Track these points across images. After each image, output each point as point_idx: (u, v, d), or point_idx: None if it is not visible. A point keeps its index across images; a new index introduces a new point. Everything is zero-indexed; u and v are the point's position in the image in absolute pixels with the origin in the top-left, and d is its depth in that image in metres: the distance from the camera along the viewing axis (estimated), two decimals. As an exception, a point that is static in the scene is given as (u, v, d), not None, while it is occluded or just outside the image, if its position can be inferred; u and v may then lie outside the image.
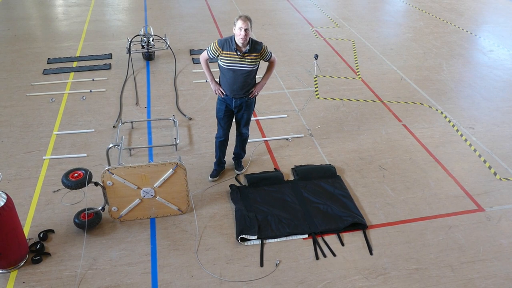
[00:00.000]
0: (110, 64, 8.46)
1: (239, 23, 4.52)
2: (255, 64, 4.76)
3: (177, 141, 5.96)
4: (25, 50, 9.12)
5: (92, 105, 7.03)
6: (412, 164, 5.76)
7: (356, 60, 8.81)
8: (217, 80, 5.03)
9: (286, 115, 6.81)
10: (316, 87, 7.69)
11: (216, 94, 4.99)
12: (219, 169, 5.47)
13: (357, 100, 7.31)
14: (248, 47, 4.63)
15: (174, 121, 6.40)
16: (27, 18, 11.26)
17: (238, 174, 5.51)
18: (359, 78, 8.08)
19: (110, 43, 9.53)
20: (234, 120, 5.24)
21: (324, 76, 8.09)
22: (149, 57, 8.59)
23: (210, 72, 4.96)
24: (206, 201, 5.07)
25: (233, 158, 5.62)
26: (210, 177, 5.41)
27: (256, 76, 4.97)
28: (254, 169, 5.60)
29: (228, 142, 5.40)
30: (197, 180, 5.39)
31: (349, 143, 6.17)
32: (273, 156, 5.88)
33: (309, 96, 7.38)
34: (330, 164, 5.67)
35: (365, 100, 7.31)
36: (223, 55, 4.67)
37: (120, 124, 6.36)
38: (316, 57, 7.97)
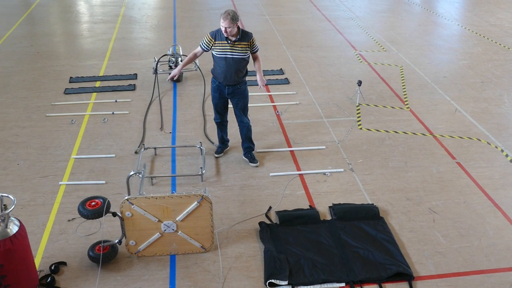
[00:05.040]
0: (134, 85, 8.74)
1: (221, 22, 5.53)
2: (246, 53, 5.77)
3: (203, 171, 6.04)
4: (47, 68, 9.56)
5: (114, 128, 7.25)
6: (467, 208, 5.62)
7: (404, 88, 8.78)
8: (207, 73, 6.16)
9: (324, 147, 6.81)
10: (358, 117, 7.68)
11: (172, 79, 6.27)
12: (223, 147, 6.56)
13: (404, 132, 7.25)
14: (238, 36, 5.67)
15: (201, 149, 6.50)
16: (51, 34, 11.85)
17: (255, 166, 6.30)
18: (408, 108, 8.04)
19: (136, 62, 9.88)
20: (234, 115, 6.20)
21: (368, 105, 8.08)
22: (176, 78, 8.80)
23: (186, 64, 6.04)
24: (232, 239, 5.08)
25: (244, 155, 6.41)
26: (215, 153, 6.51)
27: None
28: (286, 205, 5.59)
29: (229, 126, 6.51)
30: (223, 215, 5.43)
31: (394, 181, 6.09)
32: (309, 192, 5.86)
33: (351, 127, 7.37)
34: (373, 204, 5.60)
35: (414, 133, 7.24)
36: (216, 45, 5.73)
37: (143, 150, 6.52)
38: (360, 83, 8.00)
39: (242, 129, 6.27)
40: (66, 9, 14.14)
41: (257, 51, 5.94)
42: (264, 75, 9.09)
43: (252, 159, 6.33)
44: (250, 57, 5.92)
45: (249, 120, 6.27)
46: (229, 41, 5.66)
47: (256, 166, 6.28)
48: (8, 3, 14.63)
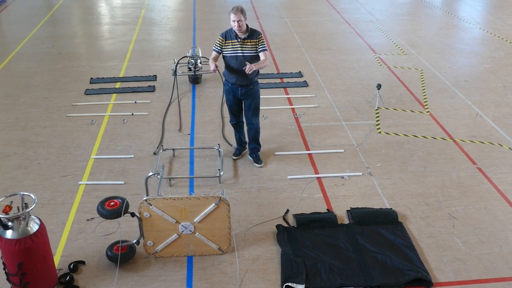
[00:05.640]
0: (154, 86, 8.82)
1: (231, 16, 5.66)
2: (256, 51, 5.85)
3: (221, 173, 6.06)
4: (68, 69, 9.70)
5: (133, 129, 7.32)
6: (488, 214, 5.53)
7: (424, 92, 8.69)
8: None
9: (342, 150, 6.78)
10: (377, 121, 7.62)
11: (213, 70, 5.83)
12: (241, 149, 6.61)
13: (424, 137, 7.17)
14: (247, 34, 5.79)
15: (219, 151, 6.53)
16: (72, 35, 12.02)
17: (259, 167, 6.37)
18: (427, 112, 7.95)
19: (156, 64, 9.96)
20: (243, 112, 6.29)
21: (387, 109, 8.02)
22: (195, 80, 8.88)
23: (214, 60, 5.92)
24: (249, 241, 5.08)
25: (249, 154, 6.51)
26: (233, 155, 6.57)
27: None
28: (304, 208, 5.58)
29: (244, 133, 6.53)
30: (240, 217, 5.43)
31: (413, 186, 6.03)
32: (326, 196, 5.83)
33: (370, 130, 7.32)
34: (391, 209, 5.55)
35: (434, 138, 7.15)
36: (227, 44, 5.84)
37: (161, 151, 6.56)
38: (379, 86, 7.94)
39: (250, 130, 6.35)
40: (87, 11, 14.34)
41: (263, 50, 5.83)
42: (282, 78, 9.13)
43: (256, 160, 6.42)
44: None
45: (259, 121, 6.33)
46: (239, 39, 5.78)
47: (260, 167, 6.35)
48: (32, 4, 14.90)
